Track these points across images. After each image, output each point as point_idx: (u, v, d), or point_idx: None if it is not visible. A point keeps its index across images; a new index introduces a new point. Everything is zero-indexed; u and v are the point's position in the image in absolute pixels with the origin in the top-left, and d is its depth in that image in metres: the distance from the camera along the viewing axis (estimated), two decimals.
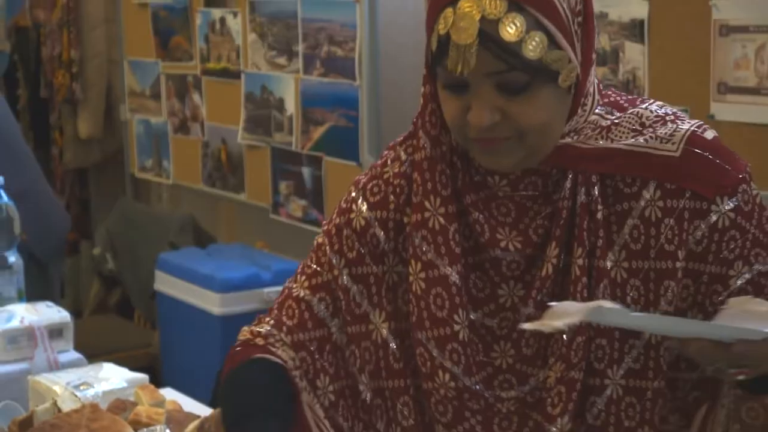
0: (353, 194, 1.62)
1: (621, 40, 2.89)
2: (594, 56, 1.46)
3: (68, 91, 5.57)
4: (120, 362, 2.71)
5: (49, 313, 3.06)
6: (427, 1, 1.46)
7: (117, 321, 5.24)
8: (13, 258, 3.32)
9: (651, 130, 1.47)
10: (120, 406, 2.31)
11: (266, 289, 4.01)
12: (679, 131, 1.46)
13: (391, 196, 1.58)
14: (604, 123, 1.47)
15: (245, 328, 1.67)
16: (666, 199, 1.46)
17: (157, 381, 2.52)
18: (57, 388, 2.42)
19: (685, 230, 1.46)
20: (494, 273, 1.51)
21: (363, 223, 1.59)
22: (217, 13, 4.63)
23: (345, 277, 1.58)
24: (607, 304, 1.36)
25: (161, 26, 5.06)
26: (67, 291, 5.40)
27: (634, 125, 1.48)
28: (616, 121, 1.48)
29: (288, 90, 4.24)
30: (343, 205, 1.63)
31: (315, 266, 1.61)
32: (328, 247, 1.61)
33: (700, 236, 1.46)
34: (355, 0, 3.83)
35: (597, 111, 1.48)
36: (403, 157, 1.58)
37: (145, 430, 2.13)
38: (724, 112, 2.67)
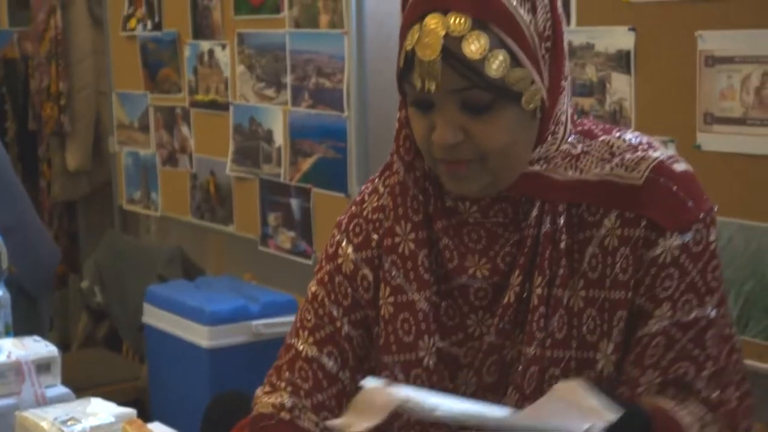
0: (337, 237, 1.63)
1: (608, 71, 2.90)
2: (564, 84, 1.46)
3: (56, 123, 5.56)
4: (108, 396, 2.69)
5: (37, 347, 3.05)
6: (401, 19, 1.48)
7: (105, 354, 5.21)
8: (0, 292, 3.31)
9: (619, 157, 1.47)
10: None
11: (254, 322, 4.00)
12: (646, 159, 1.47)
13: (373, 234, 1.59)
14: (574, 152, 1.48)
15: (262, 396, 1.64)
16: (624, 228, 1.46)
17: (145, 415, 2.51)
18: (44, 424, 2.41)
19: (637, 259, 1.46)
20: (463, 302, 1.52)
21: (352, 266, 1.59)
22: (205, 45, 4.64)
23: (346, 327, 1.59)
24: (412, 396, 1.32)
25: (150, 58, 5.07)
26: (55, 324, 5.38)
27: (603, 154, 1.48)
28: (586, 149, 1.48)
29: (276, 122, 4.24)
30: (330, 250, 1.63)
31: (315, 319, 1.61)
32: (326, 298, 1.61)
33: (640, 266, 1.46)
34: (342, 32, 3.84)
35: (569, 140, 1.49)
36: (381, 189, 1.60)
37: None
38: (710, 143, 2.68)
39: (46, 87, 5.58)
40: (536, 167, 1.47)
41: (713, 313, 1.47)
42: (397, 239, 1.53)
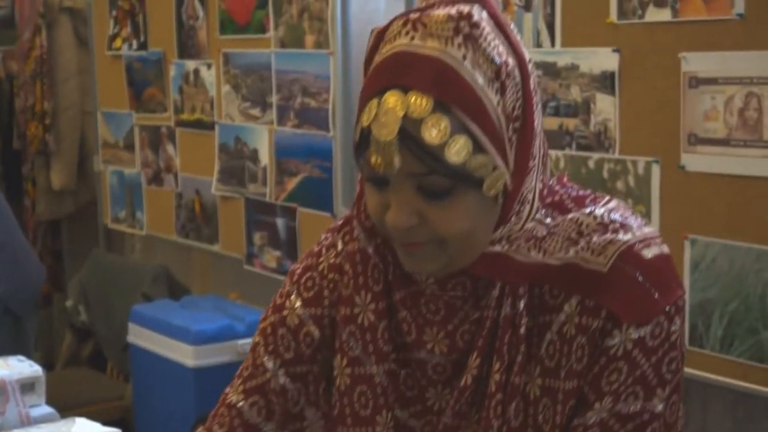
0: (287, 288, 1.57)
1: (592, 92, 2.92)
2: (532, 164, 1.36)
3: (41, 142, 5.56)
4: (93, 415, 2.68)
5: (21, 367, 3.04)
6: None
7: (89, 373, 5.20)
8: None
9: (587, 239, 1.39)
10: None
11: (240, 341, 4.00)
12: (614, 243, 1.38)
13: (326, 291, 1.53)
14: (539, 233, 1.39)
15: None
16: (583, 316, 1.38)
17: None
18: None
19: (592, 350, 1.38)
20: (421, 375, 1.46)
21: (297, 321, 1.53)
22: (191, 64, 4.64)
23: (282, 378, 1.54)
24: None
25: (135, 78, 5.07)
26: (39, 343, 5.36)
27: (570, 234, 1.40)
28: (553, 230, 1.40)
29: (262, 141, 4.25)
30: (278, 301, 1.57)
31: (251, 369, 1.57)
32: (262, 348, 1.56)
33: (595, 355, 1.38)
34: (328, 52, 3.85)
35: (537, 216, 1.40)
36: (340, 246, 1.53)
37: None
38: (694, 163, 2.70)
39: (31, 106, 5.58)
40: (498, 248, 1.38)
41: (660, 408, 1.38)
42: (356, 309, 1.46)
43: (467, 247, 1.35)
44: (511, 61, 1.33)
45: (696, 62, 2.66)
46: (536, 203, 1.39)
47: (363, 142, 1.32)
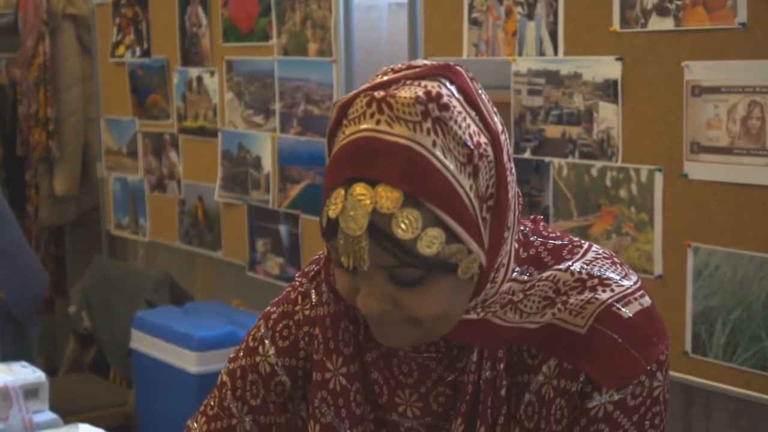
0: (261, 332, 1.53)
1: (595, 100, 2.92)
2: (507, 234, 1.31)
3: (44, 148, 5.57)
4: (95, 421, 2.70)
5: (24, 373, 3.05)
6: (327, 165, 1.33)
7: (92, 379, 5.20)
8: None
9: (564, 298, 1.35)
10: None
11: None
12: (592, 303, 1.34)
13: (301, 343, 1.49)
14: (515, 295, 1.35)
15: None
16: (561, 379, 1.36)
17: None
18: None
19: (572, 411, 1.36)
20: None
21: (269, 369, 1.50)
22: (194, 71, 4.65)
23: (248, 424, 1.51)
24: None
25: (138, 84, 5.08)
26: (42, 349, 5.37)
27: (547, 292, 1.36)
28: (529, 290, 1.36)
29: (265, 148, 4.25)
30: (251, 344, 1.53)
31: (217, 409, 1.53)
32: (229, 392, 1.53)
33: (572, 413, 1.36)
34: (331, 60, 3.86)
35: (513, 275, 1.36)
36: (314, 297, 1.50)
37: None
38: (697, 171, 2.70)
39: (35, 113, 5.59)
40: (473, 315, 1.33)
41: None
42: (327, 374, 1.42)
43: (442, 324, 1.31)
44: (483, 139, 1.27)
45: (699, 71, 2.67)
46: (511, 265, 1.35)
47: (330, 230, 1.26)
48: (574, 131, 2.99)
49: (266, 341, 1.51)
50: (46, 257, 5.79)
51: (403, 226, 1.22)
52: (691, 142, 2.71)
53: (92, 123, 5.56)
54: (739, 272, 2.62)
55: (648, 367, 1.35)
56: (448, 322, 1.31)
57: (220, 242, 4.61)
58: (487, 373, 1.37)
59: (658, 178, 2.79)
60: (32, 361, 3.31)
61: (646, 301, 1.37)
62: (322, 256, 1.51)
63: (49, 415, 3.02)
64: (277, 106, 4.16)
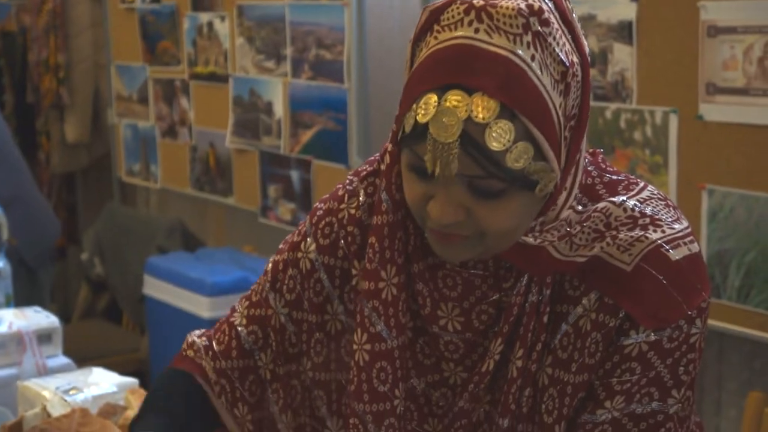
0: (305, 227, 1.55)
1: (609, 42, 2.89)
2: (579, 156, 1.32)
3: (55, 95, 5.55)
4: (109, 367, 2.69)
5: (38, 318, 3.05)
6: (408, 68, 1.32)
7: (105, 326, 5.22)
8: (1, 263, 3.31)
9: (613, 233, 1.35)
10: (110, 410, 2.30)
11: None
12: (641, 242, 1.34)
13: (342, 242, 1.50)
14: (571, 229, 1.35)
15: (193, 337, 1.67)
16: (600, 313, 1.35)
17: (146, 385, 2.51)
18: (46, 393, 2.41)
19: (607, 346, 1.36)
20: (435, 347, 1.44)
21: (309, 266, 1.51)
22: (204, 17, 4.62)
23: (283, 317, 1.53)
24: None
25: (148, 30, 5.05)
26: (54, 296, 5.39)
27: (598, 225, 1.35)
28: (584, 223, 1.35)
29: (276, 93, 4.23)
30: (295, 239, 1.56)
31: (258, 296, 1.57)
32: (269, 284, 1.55)
33: (606, 348, 1.36)
34: (343, 3, 3.83)
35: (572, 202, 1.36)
36: (362, 198, 1.50)
37: None
38: (712, 113, 2.68)
39: (45, 59, 5.56)
40: (530, 238, 1.34)
41: (674, 408, 1.37)
42: (381, 284, 1.42)
43: (507, 240, 1.32)
44: (576, 59, 1.28)
45: (715, 11, 2.64)
46: (575, 191, 1.35)
47: (416, 135, 1.25)
48: None
49: (309, 237, 1.53)
50: (57, 204, 5.78)
51: (495, 136, 1.21)
52: (706, 83, 2.68)
53: (102, 70, 5.53)
54: (755, 214, 2.60)
55: (689, 312, 1.34)
56: (511, 238, 1.32)
57: (232, 188, 4.60)
58: (534, 298, 1.37)
59: (673, 120, 2.77)
60: (45, 308, 3.31)
61: (695, 247, 1.37)
62: (376, 158, 1.51)
63: (62, 360, 3.02)
64: (288, 51, 4.13)
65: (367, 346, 1.43)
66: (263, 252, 4.45)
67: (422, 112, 1.24)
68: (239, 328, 1.57)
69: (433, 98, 1.23)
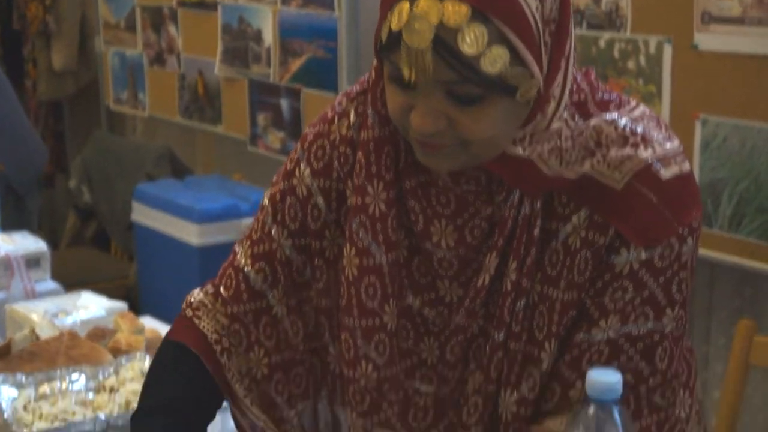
0: (298, 154, 1.53)
1: None
2: (564, 63, 1.30)
3: (41, 23, 5.49)
4: (97, 293, 2.69)
5: (26, 242, 3.05)
6: None
7: (93, 253, 5.21)
8: None
9: (604, 150, 1.34)
10: (99, 333, 2.30)
11: (244, 220, 3.99)
12: (631, 160, 1.33)
13: (336, 163, 1.49)
14: (561, 142, 1.33)
15: (194, 291, 1.63)
16: (590, 231, 1.35)
17: (135, 312, 2.51)
18: (34, 316, 2.41)
19: (596, 264, 1.36)
20: (428, 267, 1.44)
21: (305, 192, 1.51)
22: None
23: (287, 249, 1.52)
24: None
25: None
26: (43, 224, 5.37)
27: (588, 143, 1.34)
28: (575, 139, 1.33)
29: (266, 21, 4.19)
30: (289, 167, 1.54)
31: (259, 233, 1.55)
32: (270, 217, 1.54)
33: (599, 269, 1.36)
34: None
35: (563, 115, 1.34)
36: (353, 117, 1.48)
37: (124, 357, 2.12)
38: (707, 42, 2.66)
39: None
40: (519, 149, 1.32)
41: (669, 327, 1.37)
42: (367, 199, 1.42)
43: (491, 148, 1.31)
44: None
45: None
46: (564, 100, 1.33)
47: (391, 44, 1.25)
48: (581, 1, 2.93)
49: (302, 163, 1.52)
50: (45, 132, 5.75)
51: (468, 40, 1.21)
52: (702, 12, 2.65)
53: None
54: (747, 144, 2.60)
55: (680, 231, 1.34)
56: (496, 146, 1.31)
57: (221, 117, 4.57)
58: (526, 210, 1.37)
59: (667, 50, 2.75)
60: (32, 234, 3.30)
61: (686, 166, 1.36)
62: (367, 78, 1.49)
63: (50, 285, 3.02)
64: None
65: (356, 261, 1.43)
66: (252, 180, 4.43)
67: (395, 20, 1.24)
68: (246, 269, 1.54)
69: (406, 6, 1.23)
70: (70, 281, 3.26)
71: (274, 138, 4.23)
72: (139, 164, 4.82)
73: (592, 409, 1.16)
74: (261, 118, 4.30)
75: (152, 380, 1.56)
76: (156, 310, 2.77)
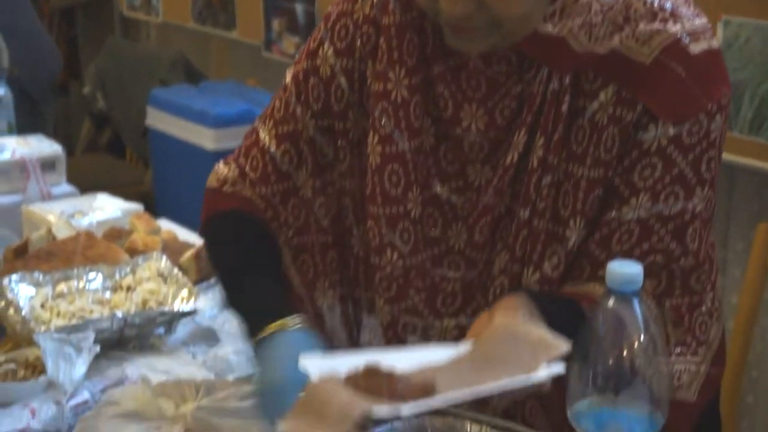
0: (321, 33, 1.53)
1: None
2: None
3: None
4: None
5: (41, 146, 3.04)
6: None
7: (109, 159, 5.21)
8: (1, 91, 3.28)
9: (633, 25, 1.33)
10: (115, 234, 2.30)
11: None
12: (660, 34, 1.32)
13: (358, 43, 1.48)
14: (592, 17, 1.32)
15: (215, 170, 1.62)
16: (617, 107, 1.35)
17: (150, 211, 2.51)
18: (51, 217, 2.41)
19: (624, 141, 1.35)
20: (459, 151, 1.44)
21: (329, 72, 1.50)
22: None
23: (311, 129, 1.52)
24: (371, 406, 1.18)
25: None
26: (57, 131, 5.35)
27: (617, 19, 1.33)
28: (603, 13, 1.33)
29: None
30: (312, 46, 1.53)
31: (282, 112, 1.54)
32: (294, 97, 1.53)
33: (626, 146, 1.35)
34: None
35: None
36: None
37: (141, 256, 2.11)
38: None
39: None
40: (549, 26, 1.31)
41: (699, 207, 1.37)
42: (389, 85, 1.43)
43: (522, 27, 1.31)
44: None
45: None
46: None
47: None
48: None
49: (326, 42, 1.51)
50: (58, 38, 5.72)
51: None
52: None
53: None
54: None
55: (708, 107, 1.34)
56: (527, 24, 1.31)
57: (235, 22, 4.52)
58: (555, 86, 1.36)
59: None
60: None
61: (714, 43, 1.36)
62: None
63: (66, 188, 3.01)
64: None
65: (379, 148, 1.44)
66: (267, 85, 4.40)
67: None
68: (272, 150, 1.53)
69: None
70: (86, 187, 3.25)
71: (289, 43, 4.19)
72: (153, 70, 4.78)
73: (612, 301, 1.14)
74: (275, 23, 4.25)
75: (225, 250, 1.54)
76: (171, 215, 2.76)
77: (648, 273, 1.34)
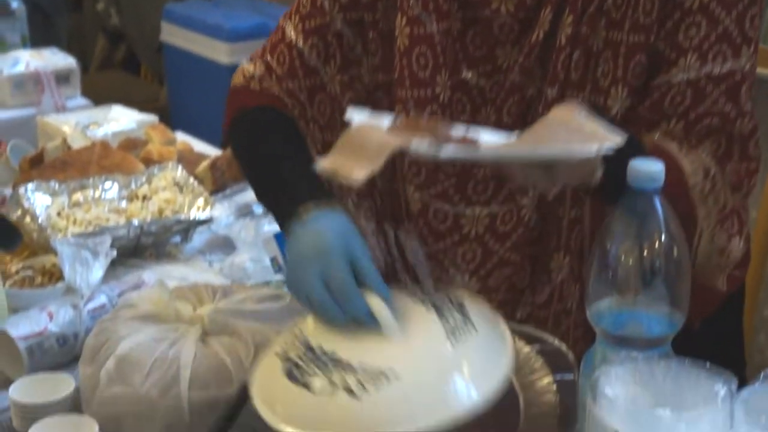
0: None
1: None
2: None
3: None
4: None
5: (55, 59, 3.03)
6: None
7: (123, 76, 5.18)
8: (15, 4, 3.26)
9: None
10: (130, 144, 2.30)
11: None
12: None
13: None
14: None
15: (241, 67, 1.60)
16: None
17: (166, 123, 2.50)
18: (66, 128, 2.41)
19: (663, 2, 1.34)
20: (488, 34, 1.42)
21: None
22: None
23: (339, 23, 1.50)
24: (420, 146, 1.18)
25: None
26: (71, 47, 5.33)
27: None
28: None
29: None
30: None
31: (310, 7, 1.51)
32: None
33: (665, 9, 1.34)
34: None
35: None
36: None
37: (156, 166, 2.11)
38: None
39: None
40: None
41: (748, 66, 1.35)
42: None
43: None
44: None
45: None
46: None
47: None
48: None
49: None
50: None
51: None
52: None
53: None
54: None
55: None
56: None
57: None
58: None
59: None
60: None
61: None
62: None
63: (81, 101, 3.01)
64: None
65: (407, 30, 1.43)
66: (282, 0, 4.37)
67: None
68: (299, 45, 1.51)
69: None
70: (101, 104, 3.24)
71: None
72: None
73: (633, 199, 1.13)
74: None
75: (259, 140, 1.51)
76: (187, 130, 2.75)
77: (707, 135, 1.36)
